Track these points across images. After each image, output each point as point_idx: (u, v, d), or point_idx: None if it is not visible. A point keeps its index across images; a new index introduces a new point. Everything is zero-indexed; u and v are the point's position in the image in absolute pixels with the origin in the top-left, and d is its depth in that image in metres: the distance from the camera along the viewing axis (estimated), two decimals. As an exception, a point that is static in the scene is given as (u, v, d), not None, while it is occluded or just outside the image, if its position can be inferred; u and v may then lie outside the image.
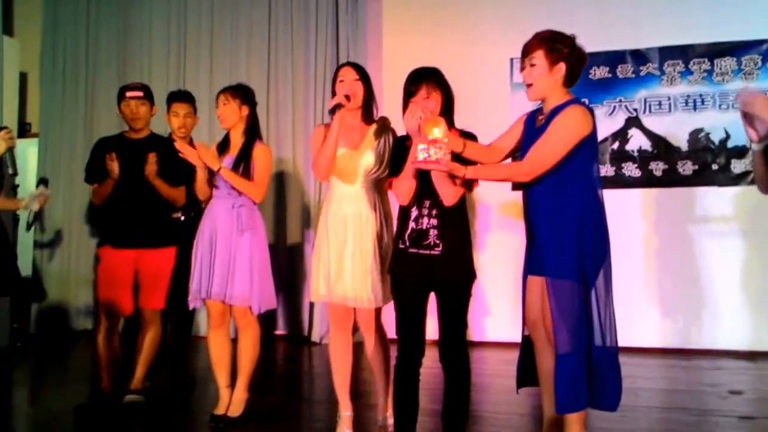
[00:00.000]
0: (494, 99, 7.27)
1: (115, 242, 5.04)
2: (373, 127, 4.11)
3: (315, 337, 7.72)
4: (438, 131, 3.27)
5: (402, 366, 3.64)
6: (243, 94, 4.65)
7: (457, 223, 3.61)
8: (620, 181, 7.10)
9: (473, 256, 3.70)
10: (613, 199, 7.13)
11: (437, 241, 3.54)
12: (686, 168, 7.01)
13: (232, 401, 4.60)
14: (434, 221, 3.55)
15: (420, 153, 3.28)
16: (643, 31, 7.14)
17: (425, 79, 3.58)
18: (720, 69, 6.96)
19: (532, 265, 3.56)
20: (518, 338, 3.78)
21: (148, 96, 5.12)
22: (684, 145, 7.03)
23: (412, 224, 3.59)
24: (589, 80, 7.22)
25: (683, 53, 7.03)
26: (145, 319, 5.09)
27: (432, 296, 3.66)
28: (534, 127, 3.54)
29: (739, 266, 6.87)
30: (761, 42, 6.87)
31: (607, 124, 7.15)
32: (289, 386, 6.12)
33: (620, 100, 7.18)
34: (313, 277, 4.14)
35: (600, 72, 7.22)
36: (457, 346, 3.63)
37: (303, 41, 8.03)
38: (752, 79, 6.84)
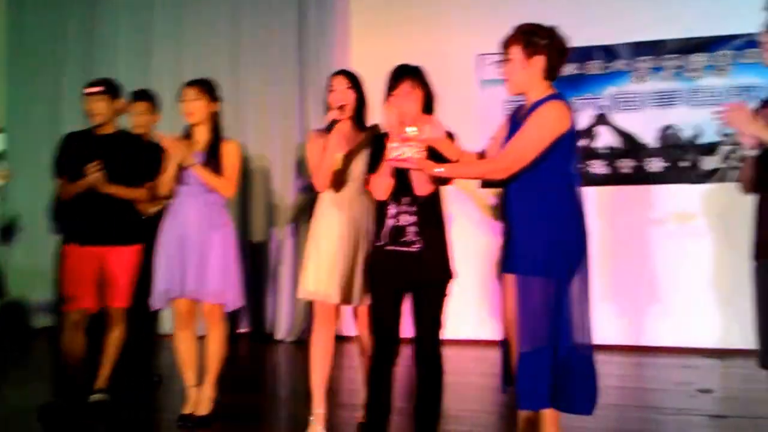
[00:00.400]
0: (462, 97, 7.17)
1: (80, 239, 4.95)
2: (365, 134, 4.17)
3: (279, 335, 7.67)
4: (411, 130, 3.28)
5: (376, 366, 3.63)
6: (212, 89, 4.62)
7: (436, 220, 3.61)
8: (588, 179, 7.02)
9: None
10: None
11: (415, 238, 3.53)
12: (655, 165, 7.00)
13: (200, 400, 4.55)
14: (412, 218, 3.54)
15: (392, 151, 3.30)
16: (614, 27, 7.09)
17: (409, 75, 3.61)
18: (692, 65, 6.93)
19: (508, 263, 3.48)
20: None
21: (110, 91, 5.00)
22: (653, 143, 7.01)
23: (389, 221, 3.58)
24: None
25: (654, 49, 6.99)
26: (110, 317, 5.02)
27: (408, 295, 3.65)
28: (517, 121, 3.47)
29: (707, 264, 6.87)
30: (734, 37, 6.80)
31: (576, 121, 7.12)
32: (256, 385, 6.04)
33: (588, 98, 7.15)
34: (303, 275, 4.13)
35: (568, 68, 7.11)
36: (432, 348, 3.62)
37: (269, 39, 7.93)
38: (725, 76, 6.82)
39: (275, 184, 7.83)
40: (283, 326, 7.66)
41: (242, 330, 7.80)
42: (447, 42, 7.41)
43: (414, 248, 3.53)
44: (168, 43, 8.21)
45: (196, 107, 4.52)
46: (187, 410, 4.54)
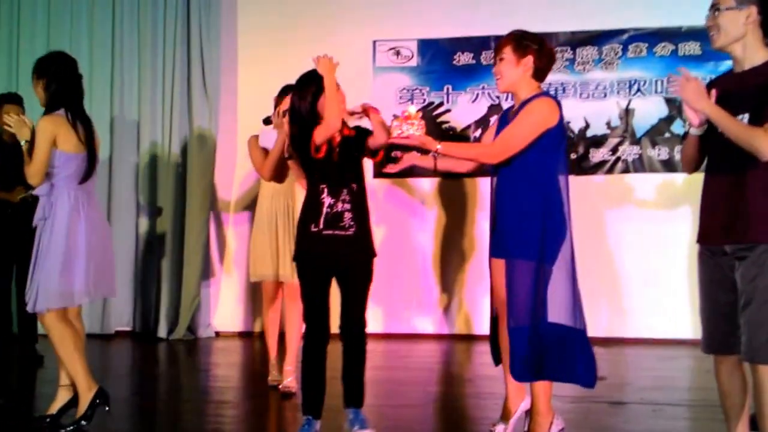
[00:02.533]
0: (357, 83, 7.01)
1: None
2: None
3: (161, 332, 7.31)
4: (412, 109, 3.65)
5: (310, 346, 3.87)
6: (38, 67, 4.24)
7: (364, 206, 3.93)
8: (479, 170, 7.01)
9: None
10: (473, 188, 7.25)
11: (352, 223, 3.83)
12: (545, 157, 7.03)
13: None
14: (347, 205, 3.83)
15: (394, 130, 3.62)
16: (508, 18, 7.03)
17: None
18: (581, 58, 7.03)
19: (495, 249, 3.84)
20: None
21: None
22: (544, 134, 7.04)
23: (326, 210, 3.82)
24: (452, 66, 7.18)
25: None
26: None
27: (336, 277, 3.94)
28: (507, 119, 3.82)
29: (591, 254, 6.92)
30: (622, 32, 6.98)
31: (470, 111, 7.14)
32: (150, 386, 5.77)
33: (483, 87, 7.13)
34: (253, 259, 5.18)
35: (464, 58, 7.16)
36: (360, 321, 3.89)
37: (152, 32, 7.51)
38: (613, 69, 6.97)
39: (159, 180, 7.49)
40: (166, 324, 7.32)
41: (123, 328, 7.47)
42: (342, 27, 7.23)
43: (350, 232, 3.83)
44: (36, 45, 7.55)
45: (37, 95, 4.24)
46: (53, 410, 4.22)
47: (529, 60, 3.69)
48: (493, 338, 3.97)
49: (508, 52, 3.71)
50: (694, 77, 3.12)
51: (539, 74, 3.75)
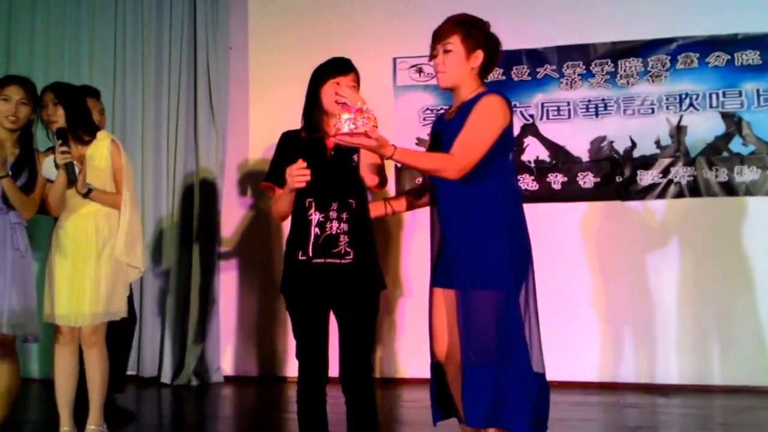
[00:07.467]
0: (376, 104, 6.37)
1: None
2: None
3: (165, 378, 6.78)
4: (362, 103, 2.95)
5: (306, 391, 3.32)
6: (36, 91, 4.25)
7: (366, 228, 3.36)
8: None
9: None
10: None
11: (348, 249, 3.27)
12: (587, 180, 6.42)
13: None
14: (345, 226, 3.27)
15: (345, 124, 2.88)
16: (540, 29, 6.53)
17: (353, 69, 3.56)
18: (624, 71, 6.40)
19: (444, 278, 3.20)
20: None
21: None
22: (585, 155, 6.43)
23: (315, 230, 3.27)
24: (481, 83, 6.58)
25: (584, 53, 6.44)
26: None
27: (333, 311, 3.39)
28: (444, 122, 3.29)
29: (646, 289, 6.31)
30: (670, 41, 6.34)
31: (502, 131, 6.51)
32: None
33: (515, 105, 6.51)
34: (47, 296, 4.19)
35: (492, 74, 6.51)
36: (364, 370, 3.32)
37: (159, 48, 7.10)
38: (660, 83, 6.33)
39: (163, 215, 7.03)
40: (171, 368, 6.79)
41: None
42: (361, 45, 6.61)
43: (347, 260, 3.27)
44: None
45: (24, 112, 4.14)
46: None
47: (480, 55, 3.20)
48: (438, 388, 3.31)
49: (455, 43, 3.21)
50: None
51: (486, 70, 3.28)
